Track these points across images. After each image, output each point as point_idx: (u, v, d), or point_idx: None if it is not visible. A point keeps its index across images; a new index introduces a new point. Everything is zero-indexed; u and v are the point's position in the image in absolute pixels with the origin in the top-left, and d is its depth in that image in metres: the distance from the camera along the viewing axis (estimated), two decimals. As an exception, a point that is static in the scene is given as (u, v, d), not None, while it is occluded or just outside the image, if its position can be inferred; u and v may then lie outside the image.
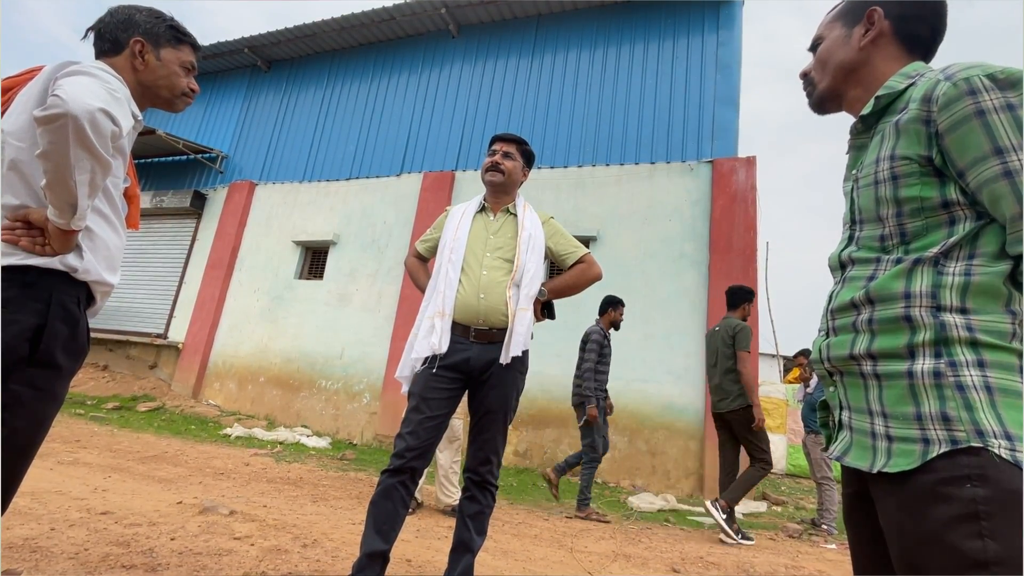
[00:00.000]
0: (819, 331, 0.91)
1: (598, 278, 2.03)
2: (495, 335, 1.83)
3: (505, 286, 1.85)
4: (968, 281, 0.70)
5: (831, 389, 0.87)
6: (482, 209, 2.04)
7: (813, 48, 1.02)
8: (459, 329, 1.83)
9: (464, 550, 1.79)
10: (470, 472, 1.85)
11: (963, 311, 0.70)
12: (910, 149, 0.77)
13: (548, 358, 6.01)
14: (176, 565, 1.97)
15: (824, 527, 4.18)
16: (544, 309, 1.98)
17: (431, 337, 1.80)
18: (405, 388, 1.90)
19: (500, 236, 1.95)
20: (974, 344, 0.68)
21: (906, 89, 0.82)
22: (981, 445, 0.63)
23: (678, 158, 6.22)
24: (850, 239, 0.89)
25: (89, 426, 5.39)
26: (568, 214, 6.41)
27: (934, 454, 0.66)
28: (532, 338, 1.92)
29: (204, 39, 12.09)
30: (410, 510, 3.29)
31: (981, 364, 0.67)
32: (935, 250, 0.74)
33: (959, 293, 0.70)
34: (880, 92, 0.85)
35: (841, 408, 0.84)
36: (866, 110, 0.87)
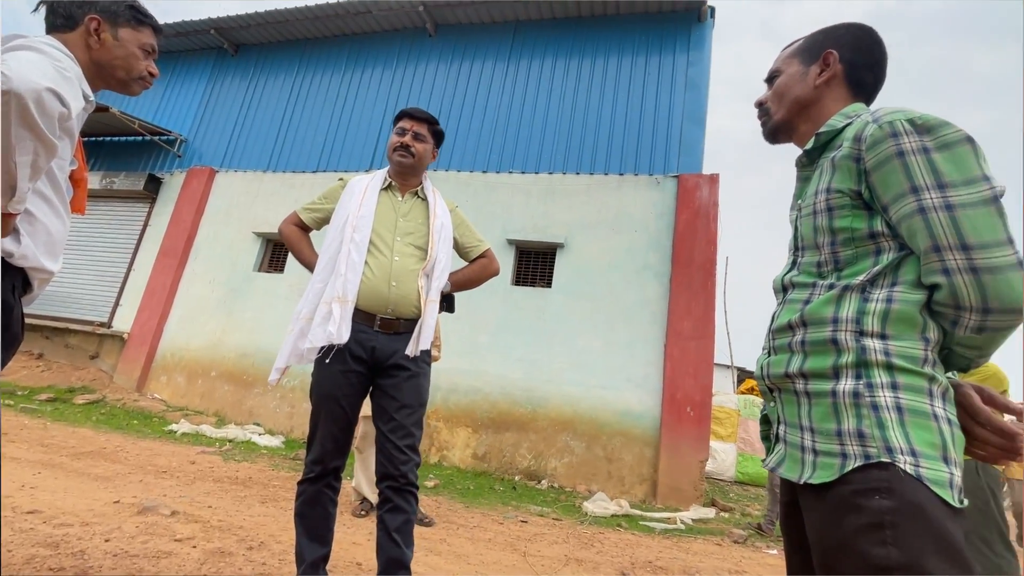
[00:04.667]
0: (762, 349, 0.97)
1: (497, 274, 2.03)
2: (401, 325, 1.72)
3: (417, 275, 1.75)
4: (888, 308, 0.76)
5: (771, 404, 0.92)
6: (388, 187, 1.88)
7: (770, 80, 1.07)
8: (361, 317, 1.68)
9: (398, 567, 1.59)
10: (389, 480, 1.65)
11: (883, 336, 0.75)
12: (843, 183, 0.83)
13: (511, 362, 6.05)
14: (110, 568, 1.88)
15: (766, 528, 4.34)
16: (444, 301, 1.90)
17: (328, 325, 1.63)
18: (275, 378, 1.74)
19: (410, 220, 1.83)
20: (890, 368, 0.73)
21: (844, 128, 0.88)
22: (890, 460, 0.68)
23: (646, 171, 6.38)
24: (792, 264, 0.95)
25: (19, 418, 5.05)
26: (537, 220, 6.47)
27: (850, 467, 0.71)
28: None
29: (168, 17, 11.59)
30: (363, 512, 3.24)
31: (895, 386, 0.72)
32: (862, 277, 0.79)
33: (880, 320, 0.76)
34: (822, 129, 0.92)
35: (778, 423, 0.89)
36: (808, 145, 0.93)
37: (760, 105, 1.08)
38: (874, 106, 0.96)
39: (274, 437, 5.96)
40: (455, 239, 1.96)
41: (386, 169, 1.93)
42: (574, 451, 5.63)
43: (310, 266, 1.85)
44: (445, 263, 1.84)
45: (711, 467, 6.70)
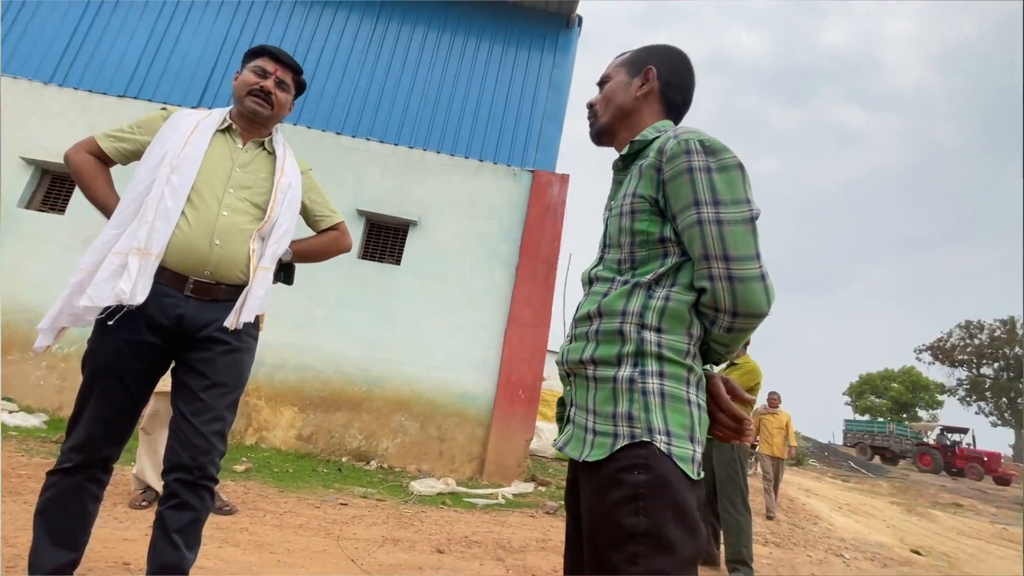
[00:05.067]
0: (565, 337, 1.02)
1: (348, 250, 1.86)
2: (220, 292, 1.45)
3: (249, 236, 1.48)
4: (666, 306, 0.85)
5: (567, 388, 0.98)
6: (227, 129, 1.58)
7: (601, 84, 1.13)
8: (168, 277, 1.39)
9: (171, 573, 1.33)
10: (181, 471, 1.36)
11: (658, 330, 0.84)
12: (646, 190, 0.91)
13: (350, 339, 5.75)
14: None
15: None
16: (282, 271, 1.66)
17: (119, 281, 1.31)
18: (42, 344, 1.40)
19: (250, 173, 1.56)
20: (660, 358, 0.83)
21: (653, 140, 0.96)
22: (649, 440, 0.77)
23: (504, 161, 6.52)
24: (599, 260, 1.02)
25: None
26: (392, 194, 6.21)
27: (619, 446, 0.78)
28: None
29: None
30: (144, 503, 2.79)
31: (662, 375, 0.82)
32: (649, 277, 0.88)
33: (658, 315, 0.85)
34: (636, 138, 0.99)
35: (571, 405, 0.95)
36: (623, 151, 1.01)
37: (591, 107, 1.14)
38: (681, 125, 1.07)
39: (33, 416, 4.82)
40: (304, 205, 1.72)
41: (227, 109, 1.61)
42: (408, 431, 5.58)
43: (105, 209, 1.47)
44: (288, 228, 1.58)
45: (535, 445, 7.21)
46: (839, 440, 31.38)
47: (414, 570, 2.52)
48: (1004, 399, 34.40)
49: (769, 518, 5.94)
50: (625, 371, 0.83)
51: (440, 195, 6.30)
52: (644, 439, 0.77)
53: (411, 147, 6.44)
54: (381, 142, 6.41)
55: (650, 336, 0.83)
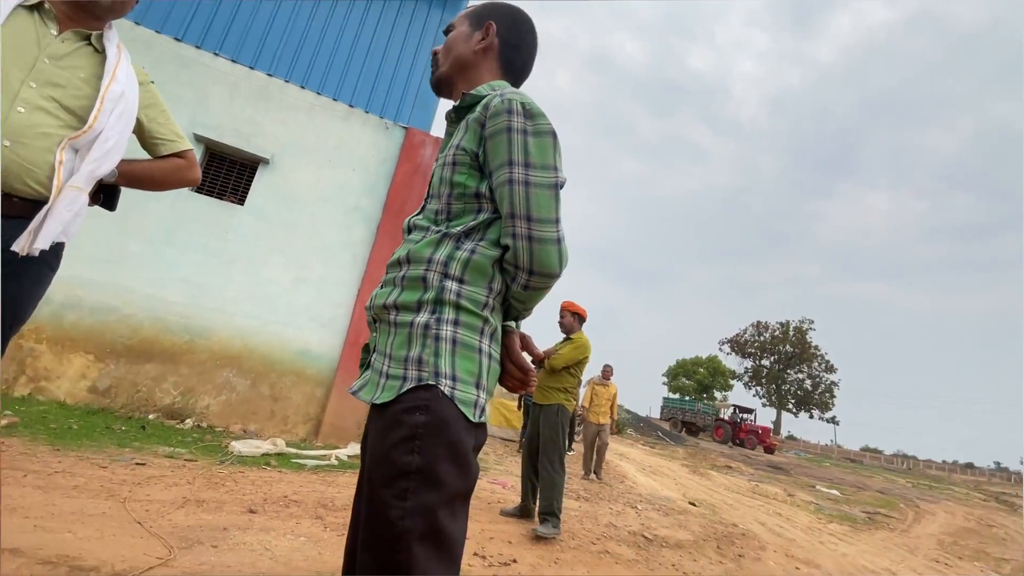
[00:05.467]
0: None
1: (193, 184, 1.61)
2: (11, 206, 1.19)
3: (56, 144, 1.22)
4: (471, 258, 0.88)
5: (373, 335, 0.97)
6: (38, 7, 1.26)
7: (446, 32, 1.11)
8: None
9: None
10: None
11: (460, 281, 0.87)
12: (469, 144, 0.93)
13: (171, 282, 5.01)
14: None
15: None
16: (102, 194, 1.40)
17: None
18: None
19: (65, 69, 1.27)
20: (458, 307, 0.86)
21: (485, 96, 0.98)
22: (435, 383, 0.80)
23: (377, 112, 6.15)
24: (421, 209, 1.02)
25: None
26: (241, 124, 5.47)
27: (405, 389, 0.80)
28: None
29: None
30: None
31: (456, 323, 0.85)
32: (460, 229, 0.90)
33: (462, 267, 0.88)
34: (469, 92, 1.00)
35: (373, 351, 0.94)
36: (457, 103, 1.01)
37: (434, 55, 1.11)
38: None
39: None
40: (140, 122, 1.41)
41: None
42: (236, 388, 5.10)
43: None
44: (115, 145, 1.30)
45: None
46: (655, 414, 36.66)
47: (217, 531, 2.34)
48: (773, 385, 43.00)
49: (586, 478, 6.60)
50: (422, 317, 0.85)
51: (300, 135, 5.73)
52: (429, 382, 0.79)
53: (270, 75, 5.72)
54: (233, 61, 5.58)
55: (451, 285, 0.86)
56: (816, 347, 43.09)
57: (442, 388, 0.79)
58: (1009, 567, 6.34)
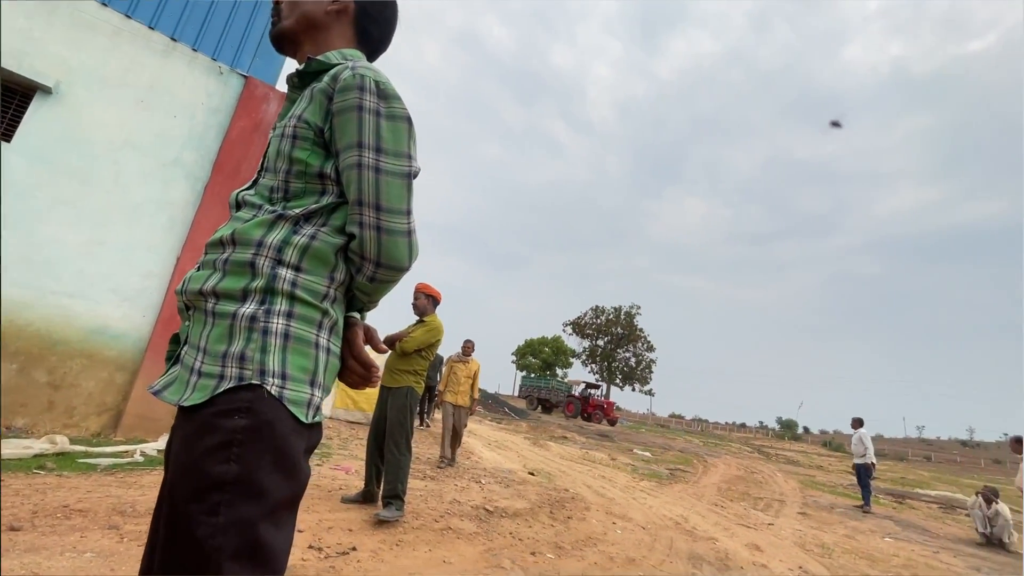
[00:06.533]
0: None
1: None
2: None
3: None
4: (310, 245, 0.80)
5: (186, 324, 0.83)
6: None
7: None
8: None
9: None
10: None
11: (297, 269, 0.79)
12: (313, 116, 0.84)
13: None
14: None
15: None
16: None
17: None
18: None
19: None
20: (292, 298, 0.78)
21: (335, 66, 0.89)
22: (259, 383, 0.71)
23: (210, 52, 5.28)
24: (253, 183, 0.90)
25: None
26: (10, 37, 4.24)
27: (222, 389, 0.70)
28: None
29: None
30: None
31: (290, 315, 0.77)
32: (299, 211, 0.82)
33: (299, 253, 0.80)
34: (317, 57, 0.90)
35: (184, 343, 0.81)
36: (300, 67, 0.90)
37: (276, 5, 0.98)
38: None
39: None
40: None
41: None
42: (-6, 375, 4.04)
43: None
44: None
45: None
46: (504, 391, 38.41)
47: (-42, 558, 1.84)
48: (605, 363, 48.27)
49: (442, 466, 5.97)
50: (249, 307, 0.75)
51: (98, 65, 4.65)
52: (253, 381, 0.71)
53: (55, -21, 4.51)
54: (-5, -49, 4.27)
55: (285, 273, 0.77)
56: (641, 329, 49.34)
57: (268, 388, 0.71)
58: (763, 503, 8.09)
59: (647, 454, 13.53)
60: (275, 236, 0.79)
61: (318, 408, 0.79)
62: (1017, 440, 6.57)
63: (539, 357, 50.92)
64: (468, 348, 6.58)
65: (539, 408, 30.57)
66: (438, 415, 10.28)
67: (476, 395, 6.51)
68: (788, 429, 59.91)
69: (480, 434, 11.25)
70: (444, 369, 6.75)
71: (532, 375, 42.44)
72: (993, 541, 7.11)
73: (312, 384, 0.77)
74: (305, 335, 0.77)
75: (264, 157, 0.90)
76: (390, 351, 3.95)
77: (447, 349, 13.21)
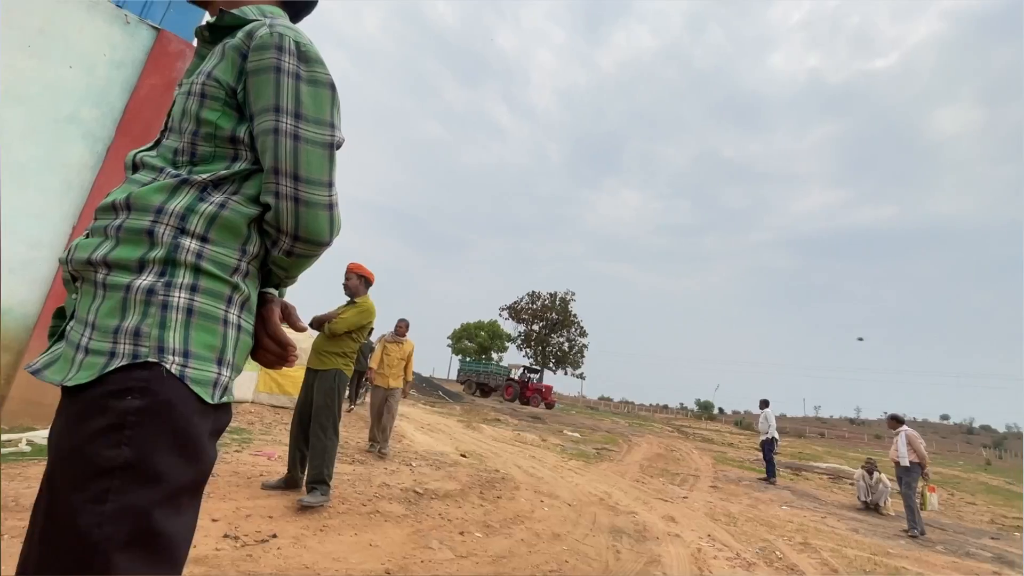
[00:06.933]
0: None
1: None
2: None
3: None
4: (218, 214, 0.75)
5: (72, 296, 0.75)
6: None
7: None
8: None
9: None
10: None
11: (203, 239, 0.73)
12: (225, 75, 0.77)
13: None
14: None
15: None
16: None
17: None
18: None
19: None
20: (197, 270, 0.72)
21: (252, 22, 0.82)
22: (157, 360, 0.66)
23: (114, -2, 4.72)
24: (156, 143, 0.82)
25: None
26: None
27: (113, 367, 0.64)
28: None
29: None
30: None
31: (194, 288, 0.71)
32: (207, 176, 0.76)
33: (206, 222, 0.74)
34: (232, 11, 0.83)
35: (70, 317, 0.73)
36: (211, 20, 0.83)
37: (185, -51, 0.89)
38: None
39: None
40: None
41: None
42: None
43: None
44: None
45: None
46: (439, 375, 38.10)
47: None
48: (539, 347, 49.29)
49: (372, 450, 5.75)
50: (146, 279, 0.69)
51: (-28, -2, 4.02)
52: (150, 359, 0.65)
53: None
54: None
55: (189, 244, 0.72)
56: (575, 315, 50.73)
57: (167, 366, 0.66)
58: (680, 478, 8.67)
59: (576, 435, 14.05)
60: (178, 202, 0.72)
61: (226, 388, 0.74)
62: (893, 418, 7.46)
63: (475, 341, 51.06)
64: (402, 328, 6.31)
65: (478, 392, 30.59)
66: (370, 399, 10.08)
67: (410, 377, 6.23)
68: (705, 410, 64.37)
69: (413, 417, 11.16)
70: (376, 349, 6.53)
71: (468, 359, 42.49)
72: (871, 506, 8.08)
73: (219, 363, 0.72)
74: (211, 310, 0.72)
75: (168, 116, 0.82)
76: (317, 332, 3.80)
77: (379, 332, 12.92)
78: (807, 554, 4.57)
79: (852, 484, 9.98)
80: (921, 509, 6.79)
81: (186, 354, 0.68)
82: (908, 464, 6.86)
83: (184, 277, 0.70)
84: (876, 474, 8.20)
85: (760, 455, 11.13)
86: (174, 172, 0.75)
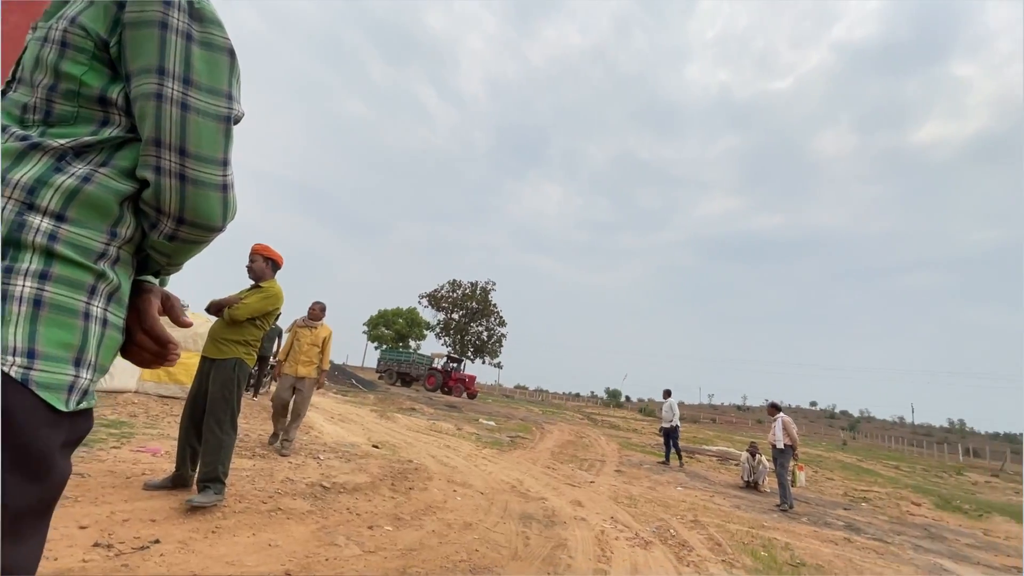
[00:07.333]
0: None
1: None
2: None
3: None
4: (81, 188, 0.64)
5: None
6: None
7: None
8: None
9: None
10: None
11: (59, 218, 0.62)
12: (94, 23, 0.66)
13: None
14: None
15: None
16: None
17: None
18: None
19: None
20: (50, 255, 0.61)
21: None
22: None
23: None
24: (2, 94, 0.68)
25: None
26: None
27: None
28: None
29: None
30: None
31: (45, 276, 0.60)
32: (67, 142, 0.64)
33: (64, 198, 0.62)
34: None
35: None
36: None
37: None
38: None
39: None
40: None
41: None
42: None
43: None
44: None
45: None
46: (353, 362, 36.68)
47: None
48: (458, 336, 49.22)
49: (272, 444, 5.35)
50: None
51: None
52: None
53: None
54: None
55: (40, 223, 0.60)
56: (495, 305, 51.14)
57: (6, 369, 0.55)
58: (587, 463, 9.10)
59: (491, 423, 14.22)
60: (26, 172, 0.60)
61: (86, 392, 0.63)
62: (772, 406, 8.37)
63: (392, 328, 49.82)
64: (316, 312, 5.79)
65: (399, 382, 29.75)
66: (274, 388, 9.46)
67: (326, 366, 5.68)
68: (613, 398, 68.09)
69: (323, 407, 10.67)
70: (287, 335, 6.07)
71: (386, 347, 41.33)
72: (751, 485, 9.03)
73: (77, 363, 0.62)
74: (67, 302, 0.61)
75: (17, 64, 0.68)
76: (216, 318, 3.48)
77: (287, 319, 12.11)
78: (696, 531, 5.00)
79: (737, 465, 11.10)
80: (792, 485, 7.73)
81: (31, 354, 0.57)
82: (783, 447, 7.75)
83: (31, 262, 0.59)
84: (758, 456, 9.18)
85: (661, 440, 11.97)
86: (21, 133, 0.62)
